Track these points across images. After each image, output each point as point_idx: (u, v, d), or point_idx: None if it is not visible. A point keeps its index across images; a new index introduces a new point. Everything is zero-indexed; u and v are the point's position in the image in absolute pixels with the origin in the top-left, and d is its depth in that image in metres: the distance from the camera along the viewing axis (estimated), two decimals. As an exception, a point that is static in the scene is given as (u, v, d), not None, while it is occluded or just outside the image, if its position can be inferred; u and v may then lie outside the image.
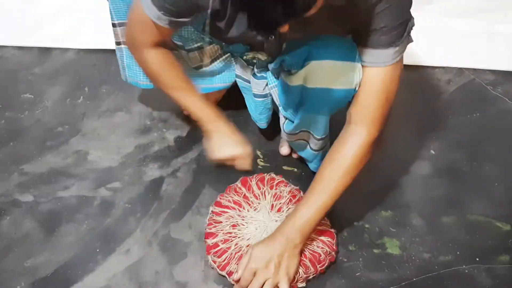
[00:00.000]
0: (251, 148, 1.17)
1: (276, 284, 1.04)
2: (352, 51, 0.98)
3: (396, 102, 1.36)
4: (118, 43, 1.26)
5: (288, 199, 1.20)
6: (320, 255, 1.12)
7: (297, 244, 1.05)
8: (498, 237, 1.22)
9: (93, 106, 1.51)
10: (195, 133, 1.44)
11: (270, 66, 1.13)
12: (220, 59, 1.23)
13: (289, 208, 1.18)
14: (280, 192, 1.22)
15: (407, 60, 1.24)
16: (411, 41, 0.98)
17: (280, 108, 1.18)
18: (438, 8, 1.78)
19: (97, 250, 1.18)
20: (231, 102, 1.43)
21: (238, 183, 1.26)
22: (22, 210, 1.26)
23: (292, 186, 1.26)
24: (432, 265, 1.16)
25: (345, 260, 1.17)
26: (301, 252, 1.08)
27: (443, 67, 1.64)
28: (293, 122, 1.14)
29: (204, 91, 1.30)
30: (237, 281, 1.07)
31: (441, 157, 1.39)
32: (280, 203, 1.20)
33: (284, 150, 1.36)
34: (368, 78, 1.00)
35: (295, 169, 1.34)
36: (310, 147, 1.21)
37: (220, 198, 1.23)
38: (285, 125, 1.20)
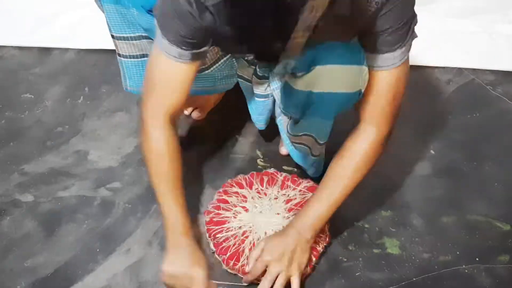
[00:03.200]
0: (205, 274, 1.03)
1: (289, 277, 1.06)
2: (358, 54, 0.98)
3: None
4: (118, 55, 1.24)
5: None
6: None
7: (308, 240, 1.07)
8: (498, 237, 1.22)
9: (93, 106, 1.51)
10: (195, 133, 1.44)
11: (274, 70, 1.12)
12: (221, 60, 1.22)
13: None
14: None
15: (407, 60, 1.24)
16: (415, 36, 0.98)
17: (280, 109, 1.18)
18: (438, 8, 1.78)
19: (97, 250, 1.18)
20: (231, 102, 1.43)
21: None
22: (22, 210, 1.26)
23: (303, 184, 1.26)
24: (432, 265, 1.16)
25: (345, 260, 1.17)
26: (311, 247, 1.10)
27: (443, 67, 1.64)
28: (296, 122, 1.15)
29: (206, 93, 1.30)
30: (247, 273, 1.08)
31: (441, 157, 1.39)
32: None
33: (284, 150, 1.36)
34: (377, 81, 1.00)
35: (295, 169, 1.34)
36: (311, 152, 1.20)
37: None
38: (289, 126, 1.19)
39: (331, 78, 1.00)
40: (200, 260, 1.06)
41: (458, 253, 1.18)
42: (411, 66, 1.58)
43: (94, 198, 1.28)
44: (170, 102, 1.03)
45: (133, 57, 1.22)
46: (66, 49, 1.69)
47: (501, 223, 1.24)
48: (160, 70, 1.01)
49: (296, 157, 1.27)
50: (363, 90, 1.01)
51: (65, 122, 1.46)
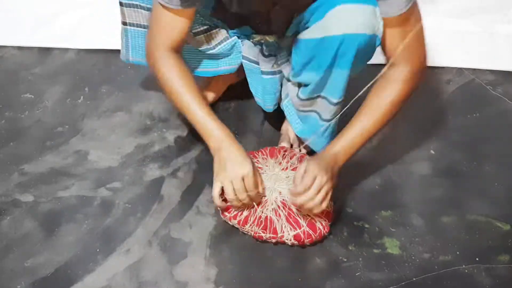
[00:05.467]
0: (253, 168, 1.10)
1: (331, 189, 1.09)
2: None
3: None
4: (124, 23, 1.27)
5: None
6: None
7: (340, 166, 1.10)
8: (498, 237, 1.22)
9: (93, 106, 1.51)
10: (195, 133, 1.43)
11: (287, 32, 1.11)
12: (226, 41, 1.22)
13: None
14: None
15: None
16: None
17: (291, 78, 1.16)
18: (438, 8, 1.78)
19: (97, 250, 1.18)
20: (230, 101, 1.43)
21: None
22: (22, 210, 1.26)
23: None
24: (432, 265, 1.16)
25: (345, 260, 1.17)
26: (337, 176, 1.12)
27: (443, 67, 1.64)
28: (307, 86, 1.13)
29: (209, 74, 1.31)
30: (296, 194, 1.08)
31: (441, 157, 1.39)
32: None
33: (285, 144, 1.35)
34: (390, 27, 1.01)
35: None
36: (321, 118, 1.18)
37: None
38: (300, 92, 1.17)
39: (345, 18, 0.99)
40: (244, 157, 1.09)
41: (458, 253, 1.18)
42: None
43: (94, 198, 1.28)
44: (171, 37, 1.10)
45: (140, 26, 1.25)
46: (66, 49, 1.69)
47: (501, 223, 1.24)
48: (157, 18, 1.07)
49: (306, 131, 1.25)
50: (379, 36, 1.01)
51: (65, 122, 1.46)
